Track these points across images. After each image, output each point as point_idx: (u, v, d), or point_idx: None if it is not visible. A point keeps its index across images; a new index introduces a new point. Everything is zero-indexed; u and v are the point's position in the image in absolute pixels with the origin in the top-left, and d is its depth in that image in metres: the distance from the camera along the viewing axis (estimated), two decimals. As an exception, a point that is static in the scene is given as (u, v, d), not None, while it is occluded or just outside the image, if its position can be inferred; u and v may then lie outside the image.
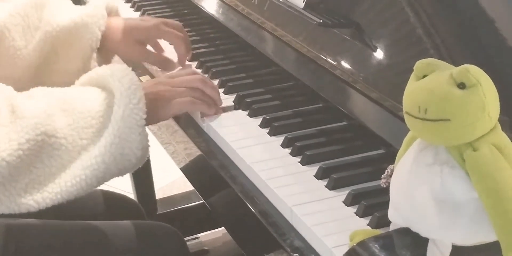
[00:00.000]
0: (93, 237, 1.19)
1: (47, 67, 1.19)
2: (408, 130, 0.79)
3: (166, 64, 1.30)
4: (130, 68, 1.03)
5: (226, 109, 1.18)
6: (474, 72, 0.68)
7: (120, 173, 1.01)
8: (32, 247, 1.12)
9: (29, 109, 0.93)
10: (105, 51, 1.24)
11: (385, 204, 0.80)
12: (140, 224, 1.27)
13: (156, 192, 2.10)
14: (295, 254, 0.88)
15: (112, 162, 0.97)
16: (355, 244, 0.75)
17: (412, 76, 0.72)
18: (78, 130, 0.96)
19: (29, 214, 1.21)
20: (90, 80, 1.04)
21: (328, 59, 1.11)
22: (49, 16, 1.17)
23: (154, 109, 1.04)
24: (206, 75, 1.29)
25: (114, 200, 1.46)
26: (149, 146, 1.00)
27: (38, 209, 0.95)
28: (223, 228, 2.07)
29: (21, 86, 1.00)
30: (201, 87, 1.12)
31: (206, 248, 2.04)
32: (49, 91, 1.00)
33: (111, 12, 1.26)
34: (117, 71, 1.01)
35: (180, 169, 1.28)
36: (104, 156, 0.96)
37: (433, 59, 0.72)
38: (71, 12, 1.20)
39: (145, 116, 0.98)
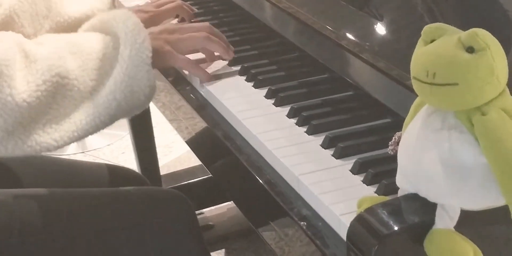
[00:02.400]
0: (102, 203, 1.19)
1: None
2: (414, 99, 0.79)
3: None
4: (131, 12, 1.07)
5: (230, 74, 1.18)
6: (483, 36, 0.67)
7: (131, 111, 1.05)
8: (39, 214, 1.12)
9: (41, 52, 0.97)
10: None
11: (392, 172, 0.80)
12: (147, 190, 1.27)
13: (160, 168, 2.11)
14: (302, 223, 0.89)
15: (123, 99, 1.01)
16: (363, 211, 0.75)
17: (420, 41, 0.72)
18: (87, 71, 1.00)
19: (36, 186, 1.23)
20: (93, 27, 1.08)
21: (334, 30, 1.10)
22: (59, 6, 1.17)
23: (160, 53, 1.09)
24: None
25: (119, 173, 1.46)
26: (155, 84, 1.04)
27: (57, 147, 0.99)
28: (227, 203, 2.08)
29: None
30: (208, 33, 1.17)
31: (211, 223, 2.05)
32: (57, 36, 1.04)
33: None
34: (119, 15, 1.05)
35: (186, 142, 1.29)
36: (115, 94, 1.00)
37: (441, 23, 0.71)
38: (79, 4, 1.21)
39: (151, 54, 1.02)
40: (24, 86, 0.94)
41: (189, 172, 2.16)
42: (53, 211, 1.14)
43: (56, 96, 0.97)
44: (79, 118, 1.00)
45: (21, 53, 0.95)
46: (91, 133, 1.02)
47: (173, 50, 1.14)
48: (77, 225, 1.14)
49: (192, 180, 2.09)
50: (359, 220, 0.74)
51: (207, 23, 1.21)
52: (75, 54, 1.00)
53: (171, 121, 1.35)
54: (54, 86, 0.96)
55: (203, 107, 1.16)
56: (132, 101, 1.03)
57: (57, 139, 0.98)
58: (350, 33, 1.08)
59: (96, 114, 1.00)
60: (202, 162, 1.28)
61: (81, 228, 1.14)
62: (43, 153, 1.00)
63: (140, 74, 1.01)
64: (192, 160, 2.44)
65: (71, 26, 1.16)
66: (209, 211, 2.08)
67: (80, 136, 1.01)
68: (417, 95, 0.77)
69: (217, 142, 1.09)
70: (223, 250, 2.06)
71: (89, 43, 1.02)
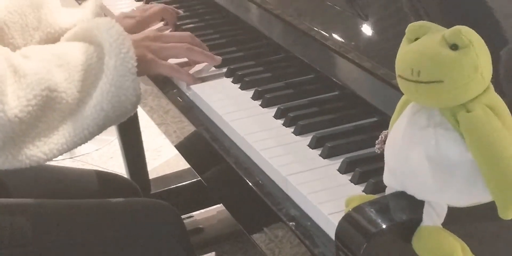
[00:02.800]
0: (90, 215, 1.19)
1: None
2: (400, 97, 0.79)
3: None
4: (114, 20, 1.07)
5: (217, 76, 1.19)
6: (467, 33, 0.68)
7: (118, 119, 1.06)
8: (28, 225, 1.12)
9: (29, 67, 0.97)
10: None
11: (380, 171, 0.81)
12: (136, 202, 1.27)
13: (149, 172, 2.10)
14: (291, 223, 0.89)
15: (110, 110, 1.02)
16: (351, 209, 0.75)
17: (404, 39, 0.72)
18: (74, 83, 1.01)
19: (25, 194, 1.23)
20: (75, 35, 1.08)
21: (319, 30, 1.10)
22: (49, 17, 1.18)
23: (144, 62, 1.10)
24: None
25: (109, 180, 1.46)
26: (141, 92, 1.06)
27: (46, 160, 1.00)
28: (217, 206, 2.08)
29: None
30: (190, 43, 1.18)
31: (201, 226, 2.05)
32: (42, 48, 1.05)
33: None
34: (102, 24, 1.05)
35: (175, 146, 1.28)
36: (102, 104, 1.02)
37: (425, 21, 0.72)
38: (70, 16, 1.22)
39: (136, 63, 1.03)
40: (15, 101, 0.94)
41: (178, 175, 2.16)
42: (42, 222, 1.14)
43: (45, 110, 0.98)
44: (67, 130, 1.01)
45: (10, 67, 0.95)
46: (80, 145, 1.04)
47: (156, 58, 1.14)
48: (66, 236, 1.14)
49: (181, 184, 2.09)
50: (347, 219, 0.74)
51: (188, 33, 1.21)
52: (62, 67, 1.00)
53: (159, 125, 1.35)
54: (43, 100, 0.97)
55: (190, 110, 1.16)
56: (120, 110, 1.04)
57: (47, 152, 0.99)
58: (335, 33, 1.09)
59: (84, 125, 1.01)
60: (190, 165, 1.28)
61: (70, 239, 1.14)
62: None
63: (126, 84, 1.02)
64: (181, 164, 2.44)
65: (61, 37, 1.17)
66: (198, 214, 2.09)
67: (69, 148, 1.02)
68: (403, 94, 0.78)
69: (205, 144, 1.09)
70: (213, 253, 2.05)
71: (74, 54, 1.02)
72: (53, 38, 1.18)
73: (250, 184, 0.97)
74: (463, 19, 0.96)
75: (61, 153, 1.02)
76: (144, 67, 1.09)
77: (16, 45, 1.14)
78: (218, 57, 1.20)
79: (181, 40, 1.18)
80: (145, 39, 1.15)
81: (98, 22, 1.06)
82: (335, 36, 1.08)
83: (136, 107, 1.07)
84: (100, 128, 1.04)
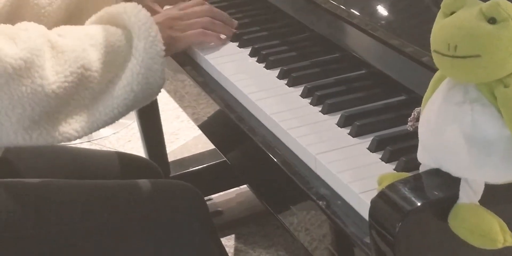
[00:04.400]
0: (114, 196, 1.19)
1: (71, 24, 1.19)
2: (429, 75, 0.78)
3: None
4: (140, 5, 1.08)
5: (241, 56, 1.20)
6: (505, 6, 0.66)
7: (144, 101, 1.08)
8: (54, 205, 1.12)
9: (66, 44, 1.00)
10: None
11: (411, 149, 0.80)
12: (160, 183, 1.26)
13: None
14: (321, 202, 0.88)
15: (139, 91, 1.04)
16: (384, 187, 0.74)
17: (440, 13, 0.71)
18: (106, 63, 1.03)
19: (47, 175, 1.23)
20: (101, 19, 1.10)
21: (345, 8, 1.09)
22: None
23: (170, 42, 1.12)
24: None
25: (131, 161, 1.46)
26: (165, 75, 1.08)
27: (77, 137, 1.02)
28: (236, 188, 2.07)
29: None
30: (211, 16, 1.21)
31: (220, 209, 2.05)
32: (73, 28, 1.06)
33: None
34: (129, 8, 1.07)
35: (198, 126, 1.28)
36: (132, 85, 1.03)
37: (461, -6, 0.70)
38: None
39: (164, 47, 1.06)
40: (53, 77, 0.96)
41: (197, 158, 2.15)
42: (68, 202, 1.14)
43: (78, 88, 1.00)
44: (98, 109, 1.03)
45: (47, 43, 0.97)
46: (109, 124, 1.05)
47: (180, 34, 1.17)
48: (92, 216, 1.14)
49: (200, 166, 2.09)
50: (381, 197, 0.73)
51: (208, 6, 1.23)
52: (94, 46, 1.02)
53: (184, 107, 1.34)
54: (78, 77, 0.99)
55: (215, 90, 1.15)
56: (147, 91, 1.06)
57: (78, 129, 1.01)
58: (361, 11, 1.07)
59: (114, 105, 1.03)
60: (215, 146, 1.27)
61: (95, 219, 1.14)
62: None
63: (155, 67, 1.05)
64: (199, 147, 2.43)
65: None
66: (217, 197, 2.08)
67: (98, 127, 1.04)
68: (432, 71, 0.77)
69: (230, 125, 1.09)
70: (233, 235, 2.05)
71: (104, 36, 1.04)
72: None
73: (278, 163, 0.96)
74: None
75: (91, 131, 1.03)
76: (171, 47, 1.12)
77: (41, 5, 1.17)
78: (234, 21, 1.26)
79: (202, 15, 1.20)
80: (168, 20, 1.17)
81: (125, 6, 1.08)
82: (361, 14, 1.07)
83: (160, 90, 1.09)
84: (128, 109, 1.05)
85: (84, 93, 1.01)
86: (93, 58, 1.01)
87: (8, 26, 0.98)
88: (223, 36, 1.24)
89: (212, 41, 1.22)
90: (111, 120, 1.04)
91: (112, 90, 1.03)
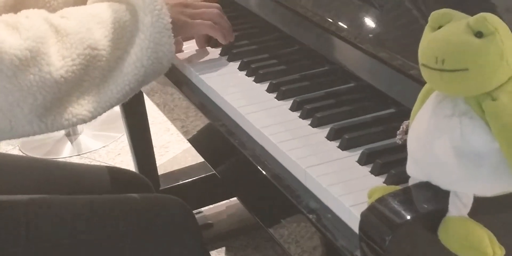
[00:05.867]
0: (104, 210, 1.19)
1: None
2: (417, 88, 0.79)
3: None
4: None
5: (230, 70, 1.20)
6: (492, 20, 0.67)
7: (155, 75, 1.08)
8: (45, 221, 1.12)
9: (70, 26, 0.99)
10: None
11: (400, 162, 0.80)
12: (149, 197, 1.26)
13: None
14: (311, 216, 0.88)
15: (150, 65, 1.04)
16: (374, 201, 0.74)
17: (427, 27, 0.71)
18: (113, 40, 1.02)
19: (37, 191, 1.22)
20: None
21: (333, 21, 1.09)
22: None
23: (180, 24, 1.13)
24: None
25: (121, 176, 1.45)
26: (174, 50, 1.08)
27: (92, 118, 1.02)
28: (226, 201, 2.07)
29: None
30: (218, 21, 1.21)
31: (210, 221, 2.04)
32: (77, 9, 1.05)
33: None
34: None
35: (188, 140, 1.28)
36: (142, 61, 1.03)
37: (448, 9, 0.71)
38: None
39: (170, 20, 1.05)
40: (60, 62, 0.96)
41: (186, 171, 2.15)
42: (59, 218, 1.14)
43: (87, 69, 0.99)
44: (109, 88, 1.02)
45: (51, 28, 0.97)
46: (122, 101, 1.05)
47: (189, 19, 1.16)
48: (82, 232, 1.14)
49: (190, 179, 2.08)
50: (371, 210, 0.73)
51: (217, 4, 1.24)
52: (99, 24, 1.02)
53: (173, 120, 1.34)
54: (86, 58, 0.99)
55: (204, 104, 1.15)
56: (158, 66, 1.06)
57: (91, 110, 1.01)
58: (350, 24, 1.08)
59: (126, 82, 1.03)
60: (205, 159, 1.27)
61: (86, 234, 1.14)
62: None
63: (163, 40, 1.05)
64: (189, 160, 2.43)
65: None
66: (207, 210, 2.08)
67: (112, 105, 1.04)
68: (420, 84, 0.77)
69: (220, 138, 1.09)
70: (224, 248, 2.05)
71: (108, 13, 1.04)
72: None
73: (268, 177, 0.96)
74: (484, 6, 0.95)
75: (104, 110, 1.03)
76: (178, 29, 1.11)
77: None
78: (231, 36, 1.24)
79: (210, 17, 1.20)
80: (179, 5, 1.17)
81: None
82: (349, 27, 1.07)
83: (170, 65, 1.09)
84: (139, 84, 1.05)
85: (93, 73, 1.00)
86: (99, 36, 1.01)
87: (10, 14, 0.98)
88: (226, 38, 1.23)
89: (218, 37, 1.22)
90: (124, 97, 1.04)
91: (122, 67, 1.03)
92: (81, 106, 1.00)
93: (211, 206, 2.08)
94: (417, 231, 0.72)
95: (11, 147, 2.64)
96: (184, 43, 1.29)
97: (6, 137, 0.99)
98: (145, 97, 1.65)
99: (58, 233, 1.11)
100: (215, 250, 2.02)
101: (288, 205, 0.92)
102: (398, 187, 0.78)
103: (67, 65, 0.96)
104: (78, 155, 2.62)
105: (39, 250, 1.09)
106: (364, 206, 0.75)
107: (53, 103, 0.96)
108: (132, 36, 1.04)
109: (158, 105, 1.38)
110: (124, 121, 1.90)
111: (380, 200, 0.74)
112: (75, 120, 0.99)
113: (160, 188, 2.06)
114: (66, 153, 2.62)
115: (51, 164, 1.39)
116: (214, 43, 1.27)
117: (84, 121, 1.01)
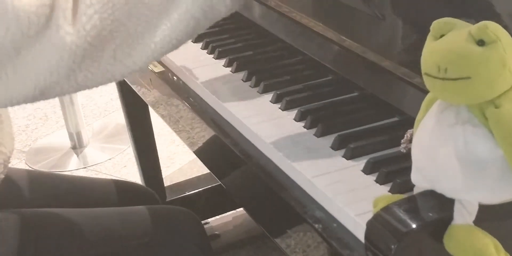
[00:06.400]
0: (111, 223, 1.19)
1: None
2: (421, 96, 0.79)
3: None
4: None
5: (234, 81, 1.19)
6: (493, 28, 0.67)
7: (211, 23, 0.96)
8: (53, 234, 1.12)
9: None
10: None
11: (405, 170, 0.80)
12: (157, 209, 1.26)
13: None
14: (317, 225, 0.88)
15: (201, 16, 0.93)
16: (379, 210, 0.74)
17: (429, 36, 0.72)
18: None
19: (44, 205, 1.23)
20: None
21: (336, 32, 1.10)
22: None
23: None
24: (212, 55, 1.29)
25: (127, 188, 1.46)
26: None
27: (132, 71, 0.92)
28: (232, 211, 2.07)
29: None
30: None
31: (217, 232, 2.05)
32: None
33: None
34: None
35: (194, 152, 1.28)
36: (192, 12, 0.92)
37: (449, 18, 0.71)
38: None
39: None
40: (84, 16, 0.87)
41: (193, 182, 2.15)
42: (67, 231, 1.14)
43: (121, 18, 0.89)
44: (153, 40, 0.92)
45: None
46: (167, 53, 0.95)
47: None
48: (91, 245, 1.14)
49: (197, 190, 2.09)
50: (377, 219, 0.74)
51: None
52: None
53: (178, 132, 1.35)
54: (116, 7, 0.88)
55: (209, 115, 1.15)
56: (213, 14, 0.94)
57: (129, 64, 0.92)
58: (352, 34, 1.08)
59: (172, 35, 0.92)
60: (211, 171, 1.27)
61: (94, 247, 1.14)
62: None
63: None
64: (195, 171, 2.44)
65: None
66: (214, 221, 2.08)
67: (154, 58, 0.94)
68: (424, 92, 0.77)
69: (225, 149, 1.09)
70: (230, 258, 2.05)
71: None
72: None
73: (273, 187, 0.96)
74: (486, 14, 0.95)
75: (147, 64, 0.94)
76: None
77: None
78: None
79: None
80: None
81: None
82: (352, 37, 1.08)
83: (233, 7, 0.96)
84: (189, 36, 0.95)
85: (130, 21, 0.89)
86: None
87: None
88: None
89: None
90: (170, 49, 0.95)
91: (170, 18, 0.91)
92: (119, 62, 0.91)
93: (217, 217, 2.08)
94: (422, 239, 0.72)
95: (18, 161, 2.65)
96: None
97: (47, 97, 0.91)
98: (150, 109, 1.65)
99: (66, 246, 1.12)
100: (223, 261, 2.02)
101: (294, 215, 0.92)
102: (403, 196, 0.78)
103: (95, 17, 0.86)
104: (84, 167, 2.63)
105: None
106: (370, 215, 0.75)
107: (85, 56, 0.88)
108: None
109: (163, 117, 1.38)
110: (129, 133, 1.91)
111: (386, 209, 0.74)
112: (110, 75, 0.91)
113: (167, 200, 2.06)
114: (72, 166, 2.63)
115: (58, 178, 1.40)
116: None
117: (123, 76, 0.93)
